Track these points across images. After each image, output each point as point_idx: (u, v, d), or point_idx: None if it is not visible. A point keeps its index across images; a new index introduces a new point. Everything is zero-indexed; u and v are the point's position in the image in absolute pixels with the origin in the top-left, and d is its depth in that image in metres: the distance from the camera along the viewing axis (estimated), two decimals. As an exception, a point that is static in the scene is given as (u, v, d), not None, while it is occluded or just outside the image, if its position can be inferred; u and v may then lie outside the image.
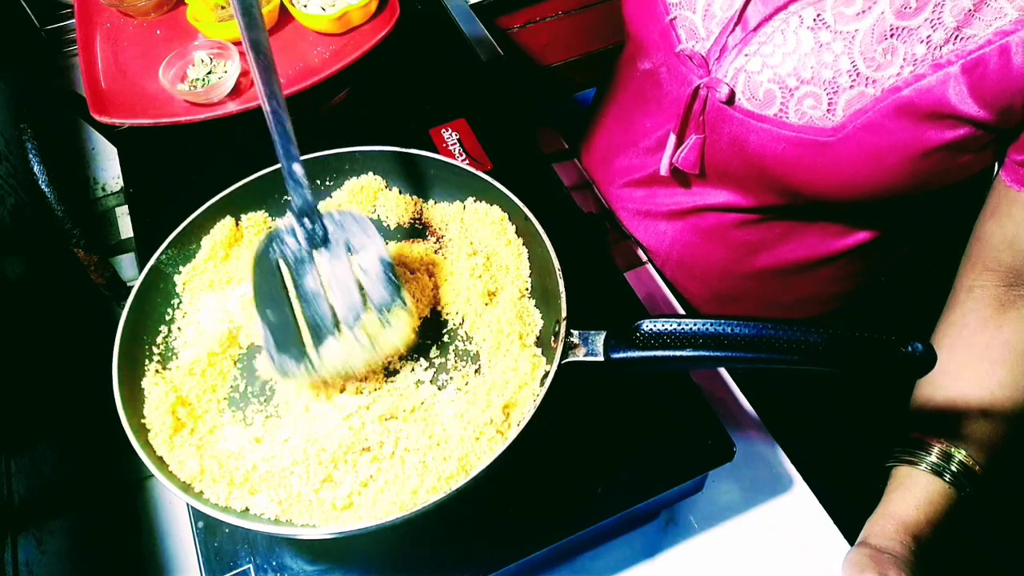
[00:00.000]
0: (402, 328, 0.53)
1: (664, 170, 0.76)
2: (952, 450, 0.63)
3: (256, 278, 0.53)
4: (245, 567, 0.54)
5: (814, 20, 0.60)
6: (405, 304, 0.53)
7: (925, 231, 0.81)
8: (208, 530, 0.55)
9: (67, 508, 0.63)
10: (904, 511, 0.62)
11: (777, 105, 0.63)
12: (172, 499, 0.66)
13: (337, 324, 0.52)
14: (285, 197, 0.67)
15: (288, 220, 0.54)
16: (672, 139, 0.73)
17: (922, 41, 0.57)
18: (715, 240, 0.80)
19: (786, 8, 0.61)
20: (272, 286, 0.53)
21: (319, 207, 0.54)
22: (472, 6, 1.09)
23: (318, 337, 0.52)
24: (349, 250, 0.54)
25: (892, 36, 0.57)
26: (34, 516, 0.58)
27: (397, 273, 0.54)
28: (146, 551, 0.64)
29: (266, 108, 0.50)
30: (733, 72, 0.65)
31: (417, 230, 0.67)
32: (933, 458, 0.63)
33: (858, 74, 0.59)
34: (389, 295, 0.53)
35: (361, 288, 0.53)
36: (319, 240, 0.54)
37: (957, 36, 0.55)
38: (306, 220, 0.53)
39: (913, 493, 0.63)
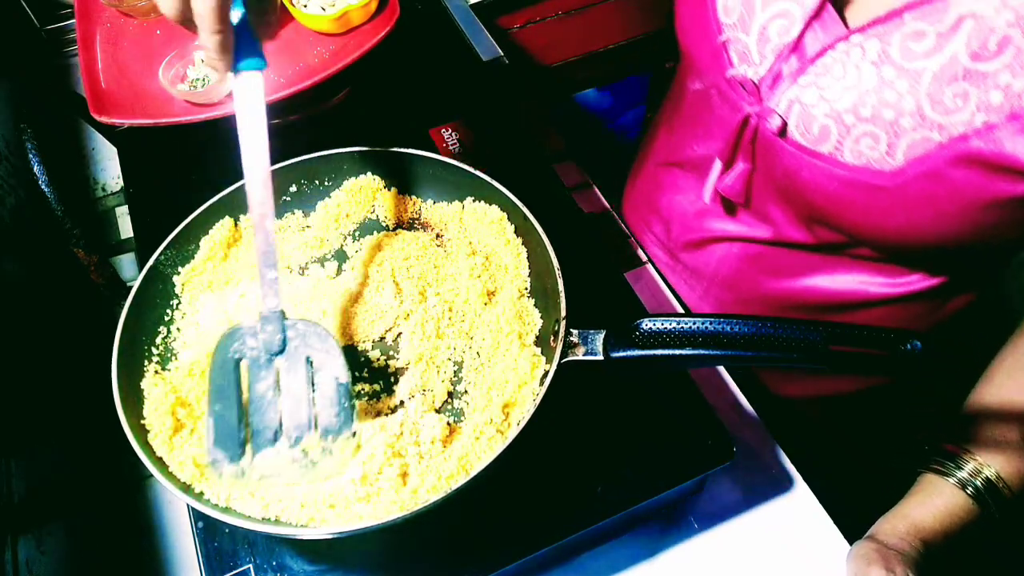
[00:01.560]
0: (343, 457, 0.52)
1: (707, 197, 0.73)
2: (983, 467, 0.61)
3: (213, 369, 0.52)
4: (245, 567, 0.54)
5: (878, 54, 0.55)
6: (353, 435, 0.51)
7: (988, 285, 0.76)
8: (208, 530, 0.55)
9: (67, 508, 0.63)
10: (920, 516, 0.61)
11: (832, 142, 0.59)
12: (172, 499, 0.66)
13: (278, 436, 0.51)
14: (284, 198, 0.68)
15: (252, 322, 0.53)
16: (718, 165, 0.70)
17: (999, 88, 0.51)
18: (763, 268, 0.76)
19: (848, 39, 0.57)
20: (226, 381, 0.51)
21: (280, 310, 0.52)
22: (472, 6, 1.08)
23: (257, 444, 0.51)
24: (309, 364, 0.52)
25: (965, 79, 0.52)
26: (34, 516, 0.57)
27: (352, 397, 0.52)
28: (146, 551, 0.64)
29: (258, 223, 0.51)
30: (787, 103, 0.61)
31: (416, 230, 0.67)
32: (963, 472, 0.62)
33: (923, 117, 0.54)
34: (338, 422, 0.51)
35: (312, 405, 0.52)
36: (278, 348, 0.52)
37: None
38: (269, 327, 0.52)
39: (933, 501, 0.62)
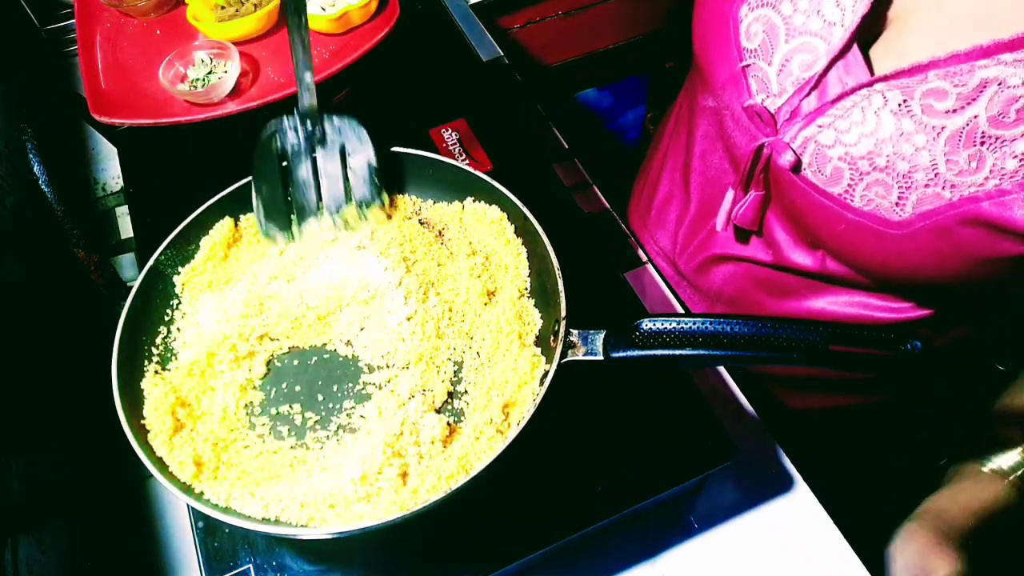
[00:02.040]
0: (375, 222, 0.63)
1: (721, 226, 0.73)
2: None
3: (257, 158, 0.61)
4: (245, 567, 0.54)
5: (899, 105, 0.55)
6: (383, 204, 0.63)
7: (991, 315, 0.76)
8: (208, 530, 0.55)
9: (67, 508, 0.63)
10: (968, 503, 0.61)
11: (844, 185, 0.59)
12: (172, 499, 0.66)
13: (320, 208, 0.62)
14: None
15: (292, 117, 0.61)
16: (731, 194, 0.70)
17: (1015, 156, 0.51)
18: (768, 289, 0.76)
19: (871, 85, 0.56)
20: (269, 167, 0.61)
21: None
22: (472, 6, 1.08)
23: (302, 216, 0.62)
24: (343, 152, 0.62)
25: (982, 144, 0.52)
26: (34, 516, 0.57)
27: (381, 177, 0.62)
28: (146, 551, 0.64)
29: (291, 24, 0.57)
30: (802, 140, 0.60)
31: (417, 230, 0.67)
32: (1008, 463, 0.63)
33: (936, 174, 0.54)
34: (370, 193, 0.62)
35: (347, 184, 0.62)
36: (317, 139, 0.62)
37: None
38: (308, 121, 0.61)
39: (980, 490, 0.62)
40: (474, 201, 0.66)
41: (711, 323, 0.49)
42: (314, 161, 0.62)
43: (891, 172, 0.56)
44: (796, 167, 0.61)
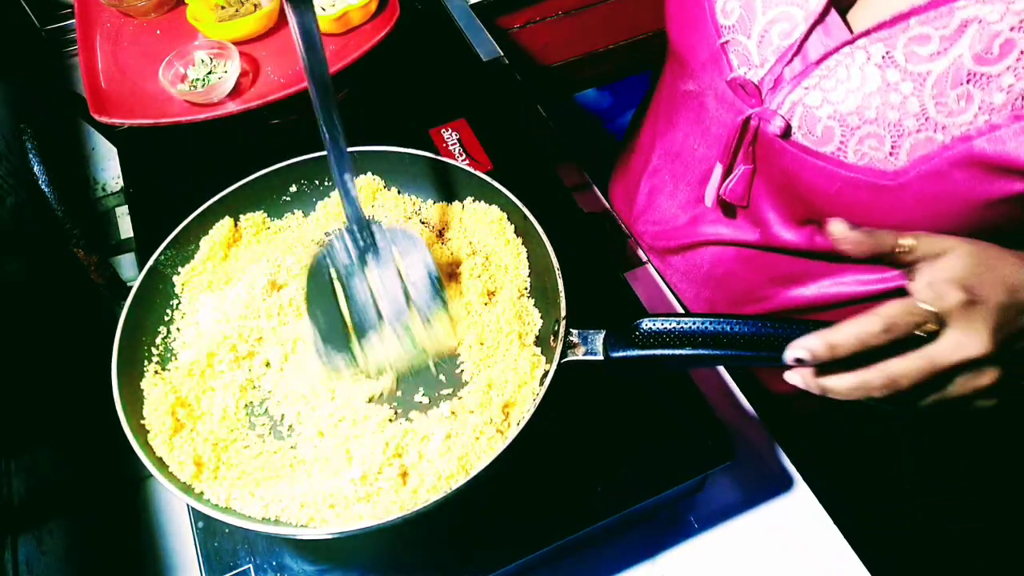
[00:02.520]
0: (443, 331, 0.57)
1: (710, 201, 0.73)
2: None
3: (309, 283, 0.56)
4: (245, 567, 0.54)
5: (883, 57, 0.56)
6: (448, 311, 0.57)
7: None
8: (208, 530, 0.55)
9: (67, 508, 0.63)
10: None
11: (836, 143, 0.59)
12: (172, 499, 0.66)
13: (382, 327, 0.56)
14: (284, 198, 0.68)
15: (340, 230, 0.57)
16: (719, 169, 0.70)
17: (1002, 89, 0.52)
18: (755, 270, 0.76)
19: (853, 43, 0.57)
20: (323, 292, 0.56)
21: (360, 216, 0.56)
22: (472, 6, 1.08)
23: (362, 333, 0.56)
24: (395, 259, 0.57)
25: (969, 82, 0.53)
26: (34, 516, 0.57)
27: (443, 284, 0.57)
28: (146, 551, 0.64)
29: (323, 128, 0.52)
30: (789, 105, 0.61)
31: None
32: None
33: (927, 119, 0.55)
34: (433, 302, 0.56)
35: (407, 295, 0.56)
36: (369, 249, 0.57)
37: None
38: (357, 230, 0.56)
39: None
40: (474, 201, 0.66)
41: (711, 323, 0.49)
42: (367, 275, 0.57)
43: (881, 123, 0.57)
44: (786, 133, 0.62)
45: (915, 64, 0.55)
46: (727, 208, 0.74)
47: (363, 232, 0.56)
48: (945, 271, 0.46)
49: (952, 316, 0.45)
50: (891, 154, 0.57)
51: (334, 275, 0.57)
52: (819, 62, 0.59)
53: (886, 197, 0.59)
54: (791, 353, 0.45)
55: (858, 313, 0.51)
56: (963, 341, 0.45)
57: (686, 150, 0.77)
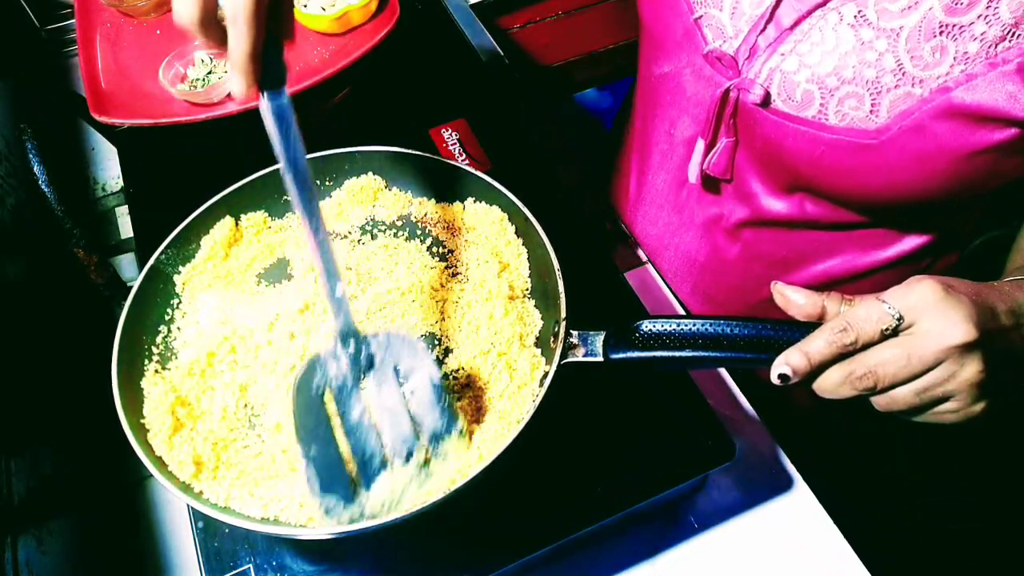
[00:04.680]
0: (459, 457, 0.50)
1: (693, 177, 0.73)
2: None
3: (297, 408, 0.50)
4: (245, 567, 0.54)
5: (855, 17, 0.57)
6: (462, 433, 0.50)
7: (975, 238, 0.76)
8: (208, 530, 0.55)
9: (67, 508, 0.63)
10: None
11: (816, 106, 0.60)
12: (172, 499, 0.66)
13: (385, 459, 0.48)
14: (285, 197, 0.68)
15: (331, 345, 0.51)
16: (700, 144, 0.70)
17: (975, 38, 0.53)
18: (748, 254, 0.77)
19: (824, 5, 0.58)
20: (315, 417, 0.49)
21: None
22: (472, 6, 1.08)
23: (368, 475, 0.48)
24: (397, 373, 0.50)
25: (942, 33, 0.54)
26: (34, 516, 0.57)
27: (448, 393, 0.50)
28: (146, 551, 0.64)
29: (309, 234, 0.47)
30: (767, 72, 0.62)
31: (416, 230, 0.67)
32: None
33: (904, 73, 0.56)
34: (443, 423, 0.49)
35: (411, 414, 0.50)
36: (364, 365, 0.51)
37: (1015, 33, 0.52)
38: (351, 343, 0.50)
39: None
40: (474, 201, 0.66)
41: (711, 324, 0.49)
42: (364, 397, 0.50)
43: (859, 82, 0.58)
44: (765, 101, 0.63)
45: (887, 20, 0.56)
46: (712, 184, 0.75)
47: (357, 346, 0.50)
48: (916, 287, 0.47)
49: (923, 311, 0.46)
50: (871, 112, 0.58)
51: (326, 396, 0.50)
52: (793, 27, 0.60)
53: (870, 157, 0.60)
54: (775, 371, 0.47)
55: (867, 286, 0.51)
56: (938, 328, 0.46)
57: (668, 134, 0.77)
